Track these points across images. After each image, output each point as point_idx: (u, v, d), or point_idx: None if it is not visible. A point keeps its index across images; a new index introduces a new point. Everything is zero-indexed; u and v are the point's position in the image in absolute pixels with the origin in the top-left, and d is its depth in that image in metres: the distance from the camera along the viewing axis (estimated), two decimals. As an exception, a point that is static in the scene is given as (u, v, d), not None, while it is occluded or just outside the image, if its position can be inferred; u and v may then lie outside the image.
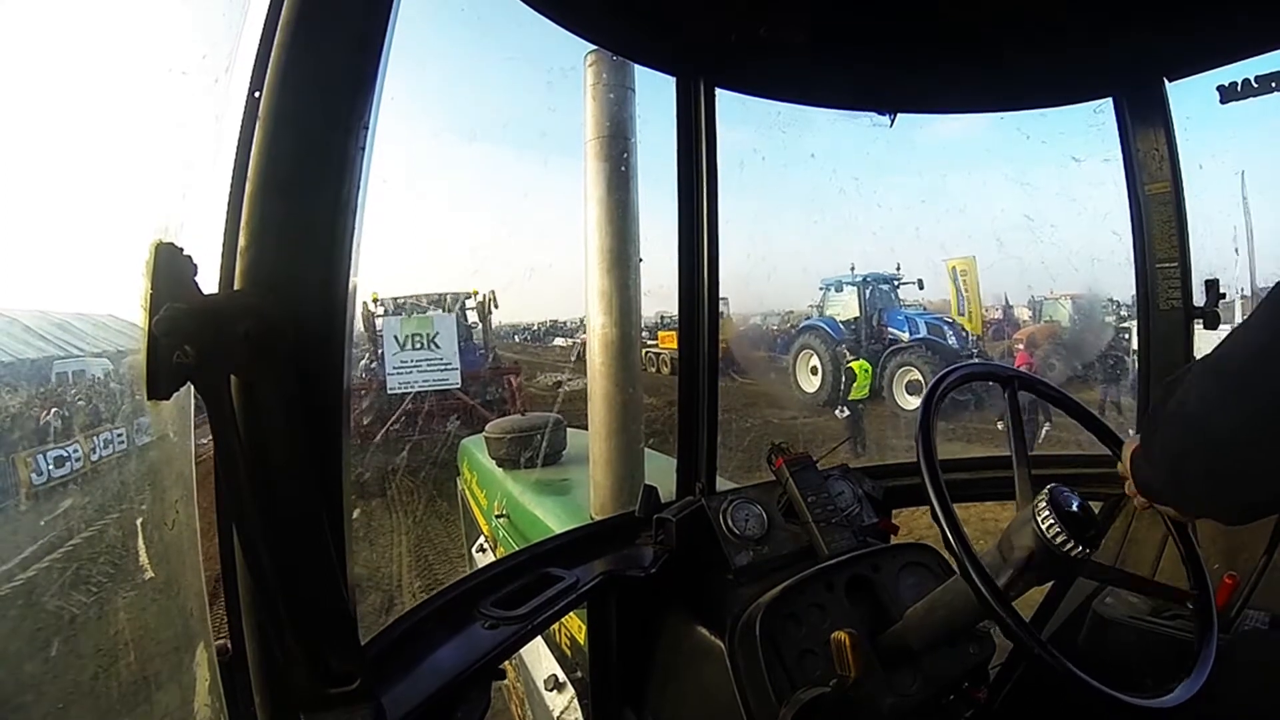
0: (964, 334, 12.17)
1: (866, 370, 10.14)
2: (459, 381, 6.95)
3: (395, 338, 6.77)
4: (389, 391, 6.64)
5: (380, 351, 6.96)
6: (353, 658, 0.74)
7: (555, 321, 27.10)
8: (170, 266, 0.62)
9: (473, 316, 9.16)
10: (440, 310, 8.84)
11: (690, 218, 1.52)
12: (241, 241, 0.69)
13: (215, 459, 0.66)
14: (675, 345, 1.67)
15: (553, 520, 2.41)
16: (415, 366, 6.67)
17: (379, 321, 7.72)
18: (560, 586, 1.20)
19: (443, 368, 6.78)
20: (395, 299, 8.86)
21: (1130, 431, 1.17)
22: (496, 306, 9.15)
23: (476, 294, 8.73)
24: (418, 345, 6.77)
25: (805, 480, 1.44)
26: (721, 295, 1.61)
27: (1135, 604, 1.43)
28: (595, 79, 2.11)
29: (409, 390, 6.69)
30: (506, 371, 8.83)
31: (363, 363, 7.81)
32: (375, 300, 8.63)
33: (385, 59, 0.75)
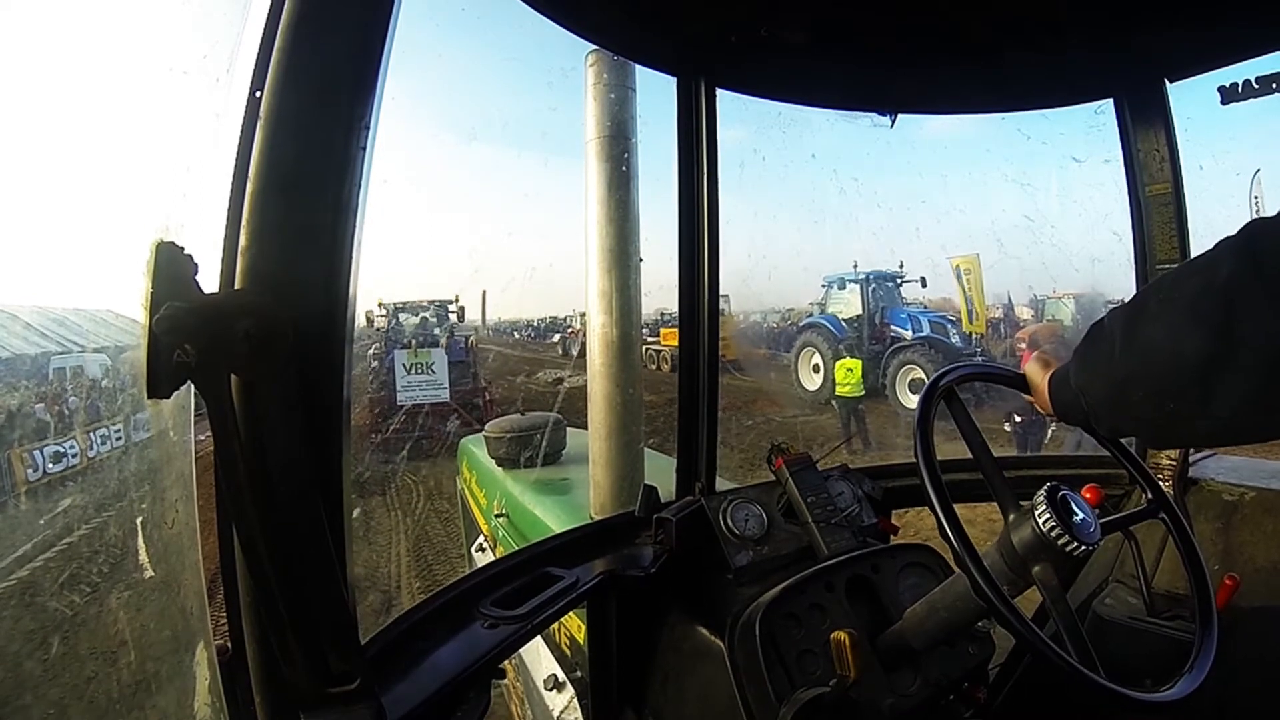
0: (967, 332, 12.18)
1: (851, 369, 10.10)
2: (449, 398, 10.74)
3: (403, 365, 10.75)
4: (399, 403, 10.62)
5: (389, 362, 10.92)
6: (353, 657, 0.74)
7: (555, 318, 27.22)
8: (171, 265, 0.62)
9: (453, 318, 12.78)
10: (431, 313, 12.65)
11: (690, 217, 1.52)
12: (242, 241, 0.69)
13: (215, 459, 0.66)
14: (675, 343, 1.67)
15: (552, 520, 2.41)
16: (419, 386, 10.73)
17: (392, 352, 11.16)
18: (560, 586, 1.20)
19: (436, 387, 10.76)
20: (395, 304, 12.32)
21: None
22: (461, 320, 12.60)
23: (458, 300, 12.75)
24: (419, 372, 10.78)
25: (805, 480, 1.44)
26: (721, 293, 1.61)
27: (1135, 604, 1.43)
28: (596, 79, 2.11)
29: (413, 401, 10.64)
30: (485, 397, 11.65)
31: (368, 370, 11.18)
32: (380, 306, 12.07)
33: (386, 59, 0.74)
